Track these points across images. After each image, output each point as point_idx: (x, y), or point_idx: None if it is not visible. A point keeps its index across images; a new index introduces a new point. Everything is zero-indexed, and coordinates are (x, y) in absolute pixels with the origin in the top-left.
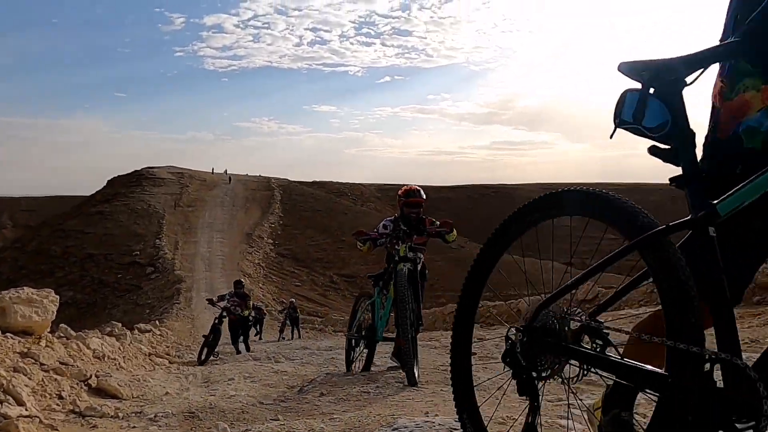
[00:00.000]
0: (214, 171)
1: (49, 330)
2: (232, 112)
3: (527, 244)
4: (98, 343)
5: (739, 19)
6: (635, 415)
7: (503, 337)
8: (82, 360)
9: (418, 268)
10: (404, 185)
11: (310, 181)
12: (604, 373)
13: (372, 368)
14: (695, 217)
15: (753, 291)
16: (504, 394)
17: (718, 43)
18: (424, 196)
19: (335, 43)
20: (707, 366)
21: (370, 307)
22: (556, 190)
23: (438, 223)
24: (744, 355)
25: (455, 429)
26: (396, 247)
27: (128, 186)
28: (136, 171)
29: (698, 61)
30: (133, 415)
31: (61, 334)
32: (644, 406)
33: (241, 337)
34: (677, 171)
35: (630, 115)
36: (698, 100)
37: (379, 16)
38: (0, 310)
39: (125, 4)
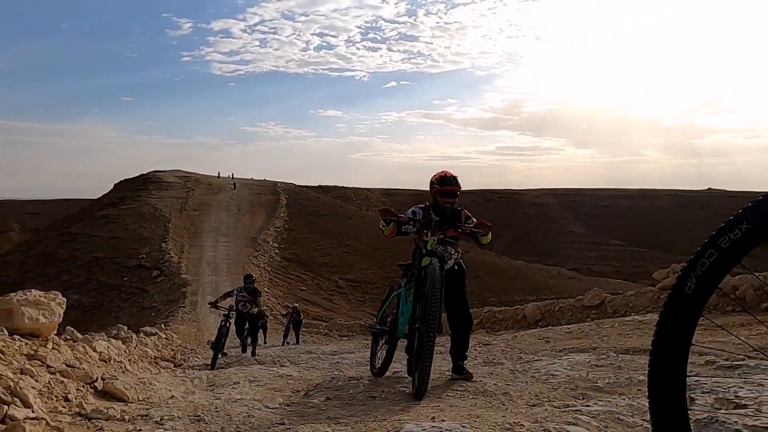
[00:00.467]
0: (220, 175)
1: (55, 332)
2: (238, 117)
3: (528, 249)
4: (104, 346)
5: None
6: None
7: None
8: (89, 362)
9: (446, 266)
10: (425, 184)
11: (316, 185)
12: None
13: (390, 371)
14: None
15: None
16: (510, 400)
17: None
18: (461, 185)
19: (341, 48)
20: None
21: (396, 299)
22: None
23: (475, 221)
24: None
25: None
26: (424, 238)
27: (135, 189)
28: (142, 175)
29: None
30: (139, 418)
31: (68, 337)
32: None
33: (246, 331)
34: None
35: None
36: None
37: (385, 21)
38: (7, 312)
39: (133, 10)
